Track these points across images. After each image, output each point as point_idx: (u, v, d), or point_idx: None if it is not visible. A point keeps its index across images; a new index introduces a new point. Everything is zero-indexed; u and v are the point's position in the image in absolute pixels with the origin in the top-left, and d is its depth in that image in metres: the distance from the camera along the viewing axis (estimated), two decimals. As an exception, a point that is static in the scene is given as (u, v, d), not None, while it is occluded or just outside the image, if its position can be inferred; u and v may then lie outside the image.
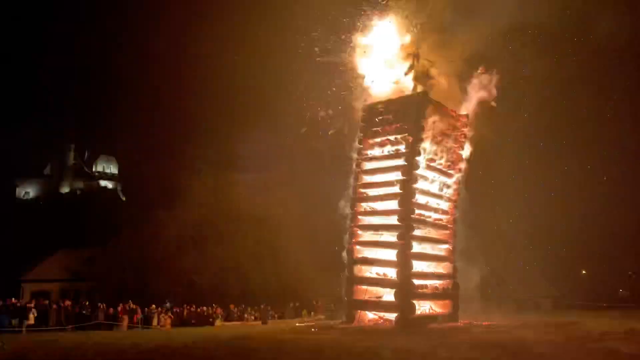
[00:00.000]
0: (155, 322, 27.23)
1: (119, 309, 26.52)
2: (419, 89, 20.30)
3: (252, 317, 31.62)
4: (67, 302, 25.65)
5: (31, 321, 22.79)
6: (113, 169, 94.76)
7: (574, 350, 12.14)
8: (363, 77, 21.30)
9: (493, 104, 20.95)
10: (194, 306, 30.21)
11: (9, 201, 79.38)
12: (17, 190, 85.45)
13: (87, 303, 27.90)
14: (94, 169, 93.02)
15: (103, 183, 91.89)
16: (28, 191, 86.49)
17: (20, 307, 23.05)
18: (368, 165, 20.60)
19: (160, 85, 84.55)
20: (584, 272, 50.37)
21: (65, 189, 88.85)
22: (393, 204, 19.19)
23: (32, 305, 23.64)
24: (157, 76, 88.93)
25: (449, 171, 20.86)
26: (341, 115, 21.73)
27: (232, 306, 31.86)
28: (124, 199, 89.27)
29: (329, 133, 22.04)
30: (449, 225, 20.87)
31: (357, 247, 20.04)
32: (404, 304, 18.09)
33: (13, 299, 23.54)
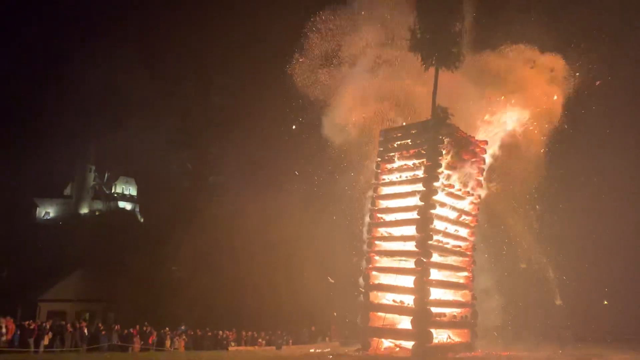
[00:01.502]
0: (168, 344, 27.13)
1: (133, 330, 26.49)
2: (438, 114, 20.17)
3: (263, 342, 31.14)
4: (83, 324, 25.66)
5: (46, 342, 22.85)
6: (132, 191, 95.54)
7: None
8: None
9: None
10: (208, 330, 30.00)
11: (29, 221, 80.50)
12: (38, 210, 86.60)
13: (100, 325, 27.92)
14: (113, 190, 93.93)
15: (122, 204, 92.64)
16: (48, 211, 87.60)
17: (37, 328, 23.05)
18: (385, 190, 20.42)
19: (181, 108, 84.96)
20: (605, 302, 49.01)
21: (84, 210, 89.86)
22: (411, 230, 18.96)
23: (48, 328, 23.65)
24: (178, 98, 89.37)
25: (468, 198, 20.58)
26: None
27: (243, 332, 31.47)
28: (142, 220, 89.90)
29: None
30: (467, 253, 20.52)
31: (374, 273, 19.79)
32: (421, 332, 17.73)
33: (27, 322, 23.54)
